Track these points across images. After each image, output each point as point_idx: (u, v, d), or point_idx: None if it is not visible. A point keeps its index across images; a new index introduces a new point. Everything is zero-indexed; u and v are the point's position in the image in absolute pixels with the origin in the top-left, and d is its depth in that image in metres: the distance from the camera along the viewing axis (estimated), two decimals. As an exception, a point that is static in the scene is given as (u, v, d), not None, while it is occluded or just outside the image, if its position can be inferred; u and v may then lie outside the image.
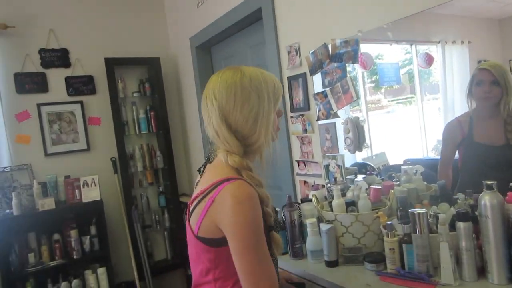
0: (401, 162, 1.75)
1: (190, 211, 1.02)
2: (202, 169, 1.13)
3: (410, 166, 1.70)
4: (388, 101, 1.84)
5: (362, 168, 1.92)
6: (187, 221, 1.04)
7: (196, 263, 1.05)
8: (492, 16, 1.34)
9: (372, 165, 1.93)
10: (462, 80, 1.46)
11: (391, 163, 1.86)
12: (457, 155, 1.55)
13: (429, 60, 1.55)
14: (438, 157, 1.64)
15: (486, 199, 1.16)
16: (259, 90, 1.01)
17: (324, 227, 1.49)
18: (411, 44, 1.61)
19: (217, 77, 1.06)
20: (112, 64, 3.24)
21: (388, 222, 1.37)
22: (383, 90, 1.84)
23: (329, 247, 1.47)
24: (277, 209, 1.73)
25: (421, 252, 1.24)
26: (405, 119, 1.78)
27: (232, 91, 1.00)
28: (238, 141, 1.01)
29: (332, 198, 1.81)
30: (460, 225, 1.20)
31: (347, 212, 1.55)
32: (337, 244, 1.48)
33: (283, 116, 2.25)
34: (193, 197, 1.03)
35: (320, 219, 1.59)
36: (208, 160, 1.10)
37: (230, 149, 1.01)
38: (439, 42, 1.49)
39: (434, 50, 1.51)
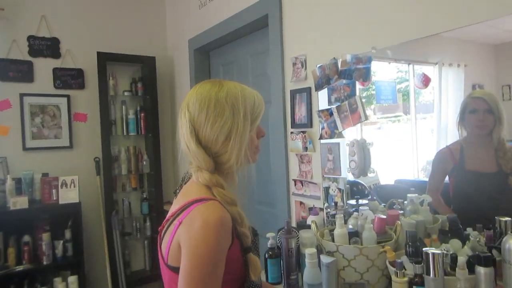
0: (392, 182, 1.74)
1: (161, 236, 0.94)
2: (178, 190, 1.06)
3: (416, 195, 1.59)
4: (378, 118, 1.80)
5: (353, 186, 1.85)
6: (158, 247, 0.97)
7: None
8: (488, 41, 1.34)
9: (364, 183, 1.82)
10: (456, 102, 1.47)
11: (382, 182, 1.80)
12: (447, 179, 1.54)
13: (425, 80, 1.54)
14: (427, 179, 1.62)
15: (511, 243, 1.04)
16: (234, 106, 0.94)
17: (325, 259, 1.35)
18: (409, 64, 1.60)
19: (194, 89, 0.99)
20: (105, 59, 3.08)
21: (398, 260, 1.24)
22: (373, 106, 1.77)
23: (329, 282, 1.34)
24: (270, 235, 1.60)
25: (435, 298, 1.11)
26: (396, 137, 1.74)
27: (206, 105, 0.94)
28: (209, 157, 0.94)
29: (332, 224, 1.69)
30: (481, 270, 1.09)
31: (350, 244, 1.41)
32: (337, 279, 1.34)
33: (281, 131, 2.11)
34: (164, 220, 0.95)
35: (319, 249, 1.45)
36: (183, 180, 1.05)
37: (200, 165, 0.95)
38: (436, 63, 1.49)
39: (431, 71, 1.50)
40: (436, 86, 1.50)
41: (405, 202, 1.65)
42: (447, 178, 1.54)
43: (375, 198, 1.76)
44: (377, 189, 1.79)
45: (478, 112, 1.38)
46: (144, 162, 3.31)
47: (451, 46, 1.46)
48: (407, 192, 1.66)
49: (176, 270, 0.87)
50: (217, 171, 0.96)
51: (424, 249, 1.16)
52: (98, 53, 3.05)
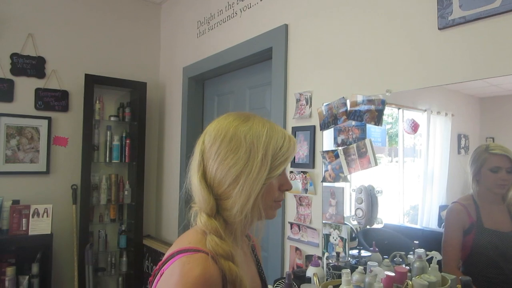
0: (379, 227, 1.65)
1: (151, 282, 0.81)
2: None
3: (423, 251, 1.47)
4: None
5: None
6: None
7: None
8: (475, 94, 1.36)
9: (351, 226, 1.71)
10: (442, 149, 1.47)
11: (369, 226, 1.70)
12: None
13: (415, 127, 1.52)
14: (413, 226, 1.59)
15: None
16: (254, 145, 0.80)
17: (331, 324, 1.19)
18: (399, 109, 1.58)
19: (218, 119, 0.87)
20: (93, 82, 2.93)
21: (415, 331, 1.09)
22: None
23: None
24: None
25: None
26: (382, 180, 1.66)
27: (220, 137, 0.81)
28: (211, 197, 0.80)
29: (333, 277, 1.54)
30: None
31: (356, 304, 1.26)
32: None
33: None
34: (158, 265, 0.81)
35: (322, 307, 1.29)
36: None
37: (200, 205, 0.82)
38: (425, 110, 1.49)
39: (420, 117, 1.51)
40: (425, 132, 1.49)
41: (409, 256, 1.55)
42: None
43: (377, 249, 1.63)
44: (363, 232, 1.70)
45: (501, 171, 1.29)
46: (126, 192, 3.11)
47: (439, 95, 1.46)
48: (394, 237, 1.62)
49: None
50: (219, 217, 0.81)
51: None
52: (86, 75, 2.91)
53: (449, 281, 1.40)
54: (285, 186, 0.87)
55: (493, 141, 1.31)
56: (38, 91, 2.86)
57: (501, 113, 1.30)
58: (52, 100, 2.90)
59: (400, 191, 1.64)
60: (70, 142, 2.99)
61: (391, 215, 1.64)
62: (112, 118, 3.11)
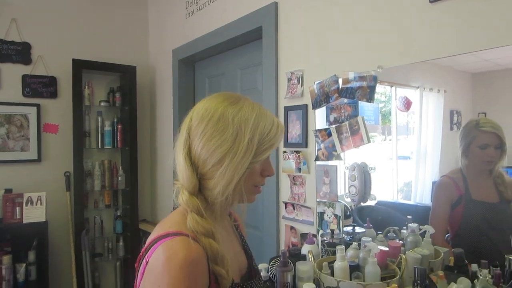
0: (373, 203, 1.68)
1: (137, 267, 0.80)
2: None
3: (417, 225, 1.49)
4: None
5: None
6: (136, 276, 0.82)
7: None
8: (467, 69, 1.36)
9: (345, 204, 1.73)
10: (435, 126, 1.48)
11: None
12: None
13: (407, 104, 1.52)
14: (406, 202, 1.62)
15: None
16: (241, 128, 0.79)
17: (326, 298, 1.21)
18: (391, 86, 1.58)
19: (207, 98, 0.87)
20: (81, 67, 2.87)
21: (409, 302, 1.11)
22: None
23: (331, 324, 1.19)
24: (263, 266, 1.46)
25: None
26: (375, 158, 1.68)
27: (208, 117, 0.80)
28: (194, 176, 0.80)
29: (327, 254, 1.56)
30: None
31: (351, 279, 1.28)
32: (338, 319, 1.21)
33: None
34: (142, 249, 0.80)
35: (317, 283, 1.31)
36: (174, 204, 0.89)
37: (183, 182, 0.82)
38: (418, 87, 1.49)
39: (412, 94, 1.51)
40: (417, 110, 1.50)
41: (402, 231, 1.57)
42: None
43: (371, 226, 1.65)
44: (358, 210, 1.71)
45: (489, 148, 1.32)
46: (120, 178, 3.10)
47: (431, 72, 1.45)
48: (387, 213, 1.65)
49: None
50: (201, 195, 0.81)
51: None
52: (74, 60, 2.85)
53: (442, 253, 1.42)
54: (267, 171, 0.87)
55: (485, 117, 1.31)
56: (25, 77, 2.80)
57: (493, 88, 1.31)
58: (40, 87, 2.84)
59: (394, 168, 1.65)
60: (60, 129, 2.95)
61: (385, 192, 1.66)
62: (102, 104, 3.07)
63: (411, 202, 1.63)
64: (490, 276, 1.21)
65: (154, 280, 0.71)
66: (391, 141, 1.64)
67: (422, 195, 1.60)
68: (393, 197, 1.67)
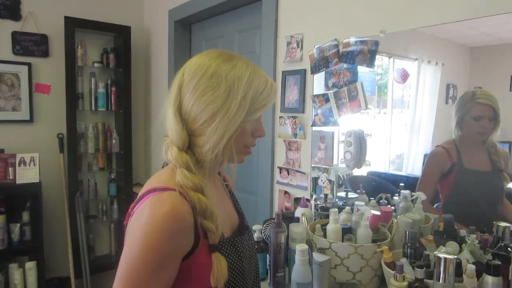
0: (365, 174, 1.72)
1: (125, 229, 0.80)
2: None
3: (409, 191, 1.52)
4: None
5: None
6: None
7: None
8: (466, 43, 1.36)
9: (339, 174, 1.75)
10: (430, 99, 1.49)
11: (355, 173, 1.76)
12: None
13: (405, 76, 1.52)
14: (399, 173, 1.65)
15: None
16: (234, 85, 0.78)
17: (318, 258, 1.24)
18: (390, 57, 1.57)
19: (200, 54, 0.85)
20: (73, 26, 2.78)
21: (399, 263, 1.14)
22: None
23: (321, 282, 1.23)
24: (257, 227, 1.48)
25: (442, 305, 1.03)
26: (369, 130, 1.69)
27: (201, 72, 0.79)
28: (184, 132, 0.79)
29: (320, 217, 1.58)
30: (489, 279, 1.02)
31: (343, 241, 1.31)
32: (328, 278, 1.24)
33: (269, 114, 1.97)
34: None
35: (309, 245, 1.34)
36: (164, 163, 0.88)
37: (172, 138, 0.81)
38: (416, 59, 1.49)
39: (410, 66, 1.51)
40: (414, 82, 1.50)
41: (394, 197, 1.59)
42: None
43: (364, 192, 1.67)
44: (350, 179, 1.75)
45: (483, 119, 1.34)
46: (114, 141, 3.07)
47: (430, 44, 1.45)
48: (380, 184, 1.68)
49: None
50: (190, 152, 0.80)
51: (435, 253, 1.07)
52: (66, 18, 2.75)
53: (432, 219, 1.46)
54: (258, 132, 0.86)
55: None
56: (15, 34, 2.70)
57: (491, 63, 1.32)
58: (31, 45, 2.76)
59: (387, 140, 1.67)
60: (53, 90, 2.89)
61: (377, 163, 1.68)
62: (96, 65, 2.99)
63: (403, 173, 1.65)
64: (477, 241, 1.25)
65: (134, 231, 0.71)
66: (385, 114, 1.64)
67: (413, 167, 1.62)
68: (385, 168, 1.69)
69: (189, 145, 0.80)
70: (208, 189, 0.78)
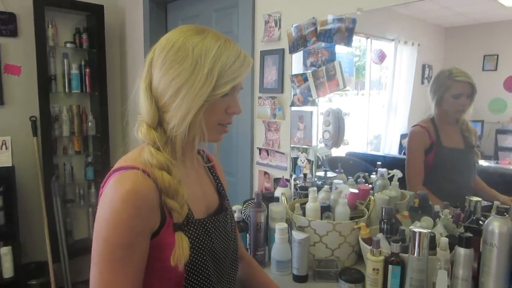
0: (343, 155, 1.76)
1: None
2: None
3: (386, 170, 1.55)
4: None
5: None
6: None
7: None
8: (441, 23, 1.38)
9: (318, 155, 1.78)
10: (407, 80, 1.52)
11: (334, 154, 1.81)
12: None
13: (382, 56, 1.54)
14: (376, 153, 1.70)
15: (495, 226, 1.04)
16: (200, 58, 0.75)
17: (297, 236, 1.26)
18: (367, 38, 1.58)
19: (174, 29, 0.83)
20: (42, 4, 2.65)
21: (375, 238, 1.18)
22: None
23: (301, 259, 1.25)
24: (237, 207, 1.48)
25: (417, 277, 1.07)
26: (347, 110, 1.73)
27: (168, 46, 0.77)
28: (153, 108, 0.78)
29: (300, 197, 1.60)
30: (461, 251, 1.06)
31: (322, 219, 1.33)
32: (308, 255, 1.27)
33: (248, 95, 1.96)
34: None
35: (289, 223, 1.36)
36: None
37: (142, 115, 0.80)
38: (393, 40, 1.51)
39: (387, 47, 1.53)
40: (391, 63, 1.52)
41: (372, 176, 1.63)
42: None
43: (342, 171, 1.70)
44: (328, 160, 1.78)
45: (462, 97, 1.37)
46: (89, 123, 3.00)
47: (407, 24, 1.47)
48: (358, 164, 1.72)
49: None
50: (161, 129, 0.79)
51: (410, 227, 1.10)
52: (35, -5, 2.62)
53: (408, 196, 1.50)
54: (232, 108, 0.82)
55: (456, 69, 1.35)
56: (-20, 12, 2.57)
57: (465, 43, 1.35)
58: (-3, 24, 2.63)
59: (365, 121, 1.70)
60: (23, 71, 2.78)
61: (356, 144, 1.72)
62: (68, 45, 2.88)
63: (380, 153, 1.69)
64: (451, 216, 1.30)
65: (100, 211, 0.71)
66: (363, 95, 1.67)
67: (390, 147, 1.66)
68: (363, 148, 1.73)
69: (160, 122, 0.79)
70: (177, 167, 0.77)
